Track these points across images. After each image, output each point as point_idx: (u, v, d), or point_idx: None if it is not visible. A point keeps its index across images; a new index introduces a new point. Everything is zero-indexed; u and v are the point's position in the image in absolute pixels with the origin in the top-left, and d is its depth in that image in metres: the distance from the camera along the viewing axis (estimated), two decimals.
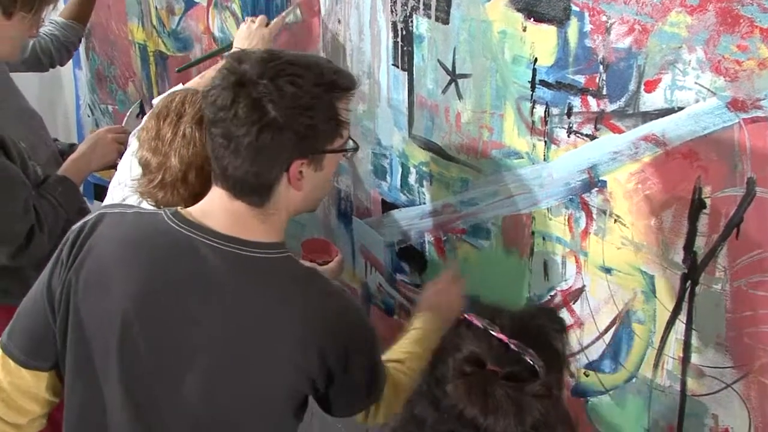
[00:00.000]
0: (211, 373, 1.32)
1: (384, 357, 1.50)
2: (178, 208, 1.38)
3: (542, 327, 1.26)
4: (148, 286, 1.32)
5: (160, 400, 1.34)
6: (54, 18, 2.46)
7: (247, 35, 1.98)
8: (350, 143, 1.38)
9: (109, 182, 1.89)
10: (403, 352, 1.55)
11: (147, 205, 1.61)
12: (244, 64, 1.27)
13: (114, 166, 2.20)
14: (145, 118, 1.66)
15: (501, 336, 1.17)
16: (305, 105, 1.26)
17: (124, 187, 1.77)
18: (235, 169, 1.28)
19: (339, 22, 1.93)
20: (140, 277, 1.33)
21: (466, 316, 1.23)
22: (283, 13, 2.05)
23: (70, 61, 2.62)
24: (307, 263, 1.92)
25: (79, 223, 1.40)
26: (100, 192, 2.95)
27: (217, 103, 1.27)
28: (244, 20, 2.06)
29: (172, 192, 1.57)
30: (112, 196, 1.81)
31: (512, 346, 1.16)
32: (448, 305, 1.62)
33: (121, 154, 2.01)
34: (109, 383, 1.36)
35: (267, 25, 2.00)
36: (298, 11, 2.06)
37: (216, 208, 1.34)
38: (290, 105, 1.25)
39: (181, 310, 1.32)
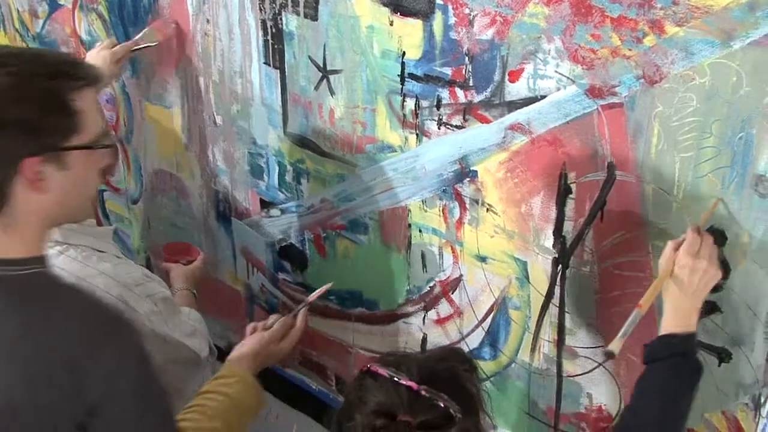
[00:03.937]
0: None
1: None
2: None
3: (452, 368, 1.19)
4: None
5: None
6: None
7: (91, 56, 1.92)
8: (107, 140, 1.26)
9: None
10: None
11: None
12: None
13: None
14: None
15: (410, 383, 1.10)
16: (20, 96, 1.16)
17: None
18: None
19: (208, 21, 1.90)
20: None
21: (369, 366, 1.16)
22: (136, 37, 1.99)
23: None
24: (171, 265, 1.94)
25: None
26: None
27: None
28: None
29: None
30: None
31: (423, 393, 1.09)
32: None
33: None
34: None
35: (113, 47, 1.95)
36: (152, 35, 2.00)
37: None
38: (4, 96, 1.15)
39: None
